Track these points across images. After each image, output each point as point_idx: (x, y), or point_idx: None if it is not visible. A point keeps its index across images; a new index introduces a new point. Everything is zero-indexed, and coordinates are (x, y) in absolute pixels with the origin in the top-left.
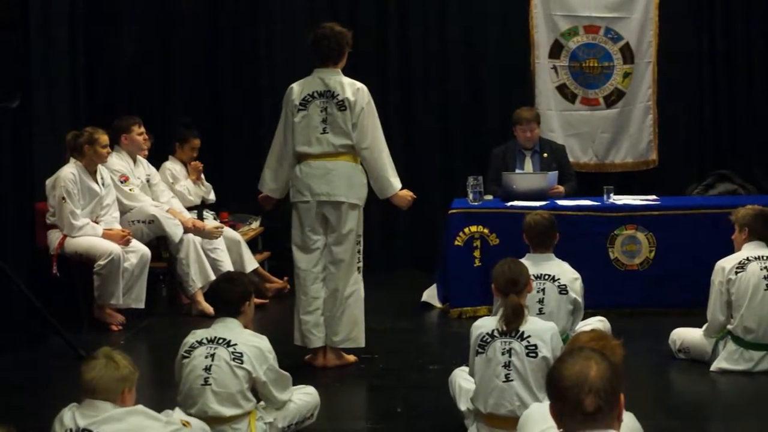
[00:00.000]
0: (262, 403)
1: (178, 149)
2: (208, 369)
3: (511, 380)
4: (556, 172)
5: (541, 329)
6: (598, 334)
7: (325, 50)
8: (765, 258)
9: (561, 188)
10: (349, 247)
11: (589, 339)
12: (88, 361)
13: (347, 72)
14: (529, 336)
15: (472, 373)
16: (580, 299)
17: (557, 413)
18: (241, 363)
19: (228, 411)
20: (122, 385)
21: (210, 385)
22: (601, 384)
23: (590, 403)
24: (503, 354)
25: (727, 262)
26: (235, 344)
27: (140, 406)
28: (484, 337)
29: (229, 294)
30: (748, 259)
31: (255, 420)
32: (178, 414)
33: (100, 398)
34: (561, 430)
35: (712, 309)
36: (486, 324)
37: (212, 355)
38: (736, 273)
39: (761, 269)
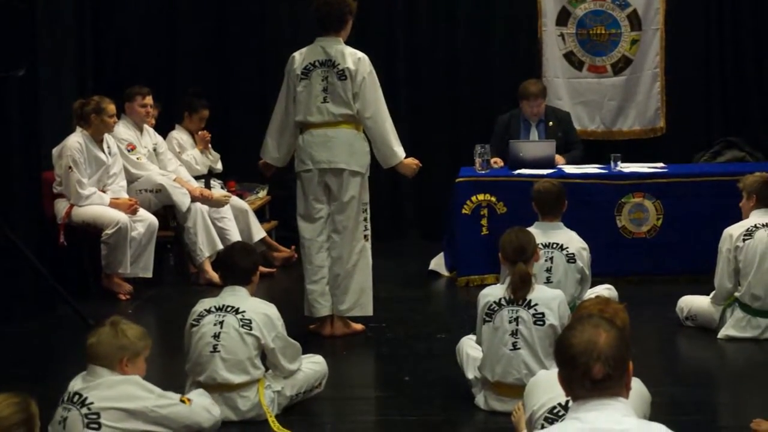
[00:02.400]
0: (270, 371)
1: (187, 118)
2: (216, 336)
3: (519, 348)
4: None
5: (549, 297)
6: (602, 300)
7: (326, 18)
8: None
9: (560, 158)
10: (352, 214)
11: (592, 305)
12: (96, 328)
13: (353, 41)
14: (536, 304)
15: (479, 342)
16: (587, 270)
17: (565, 380)
18: (250, 330)
19: (236, 378)
20: (120, 353)
21: (219, 352)
22: (609, 351)
23: (598, 371)
24: (510, 322)
25: (734, 230)
26: (244, 311)
27: (136, 377)
28: (491, 305)
29: (245, 262)
30: (755, 226)
31: (263, 388)
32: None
33: (99, 364)
34: (569, 397)
35: (720, 276)
36: (493, 292)
37: (221, 323)
38: (744, 240)
39: None
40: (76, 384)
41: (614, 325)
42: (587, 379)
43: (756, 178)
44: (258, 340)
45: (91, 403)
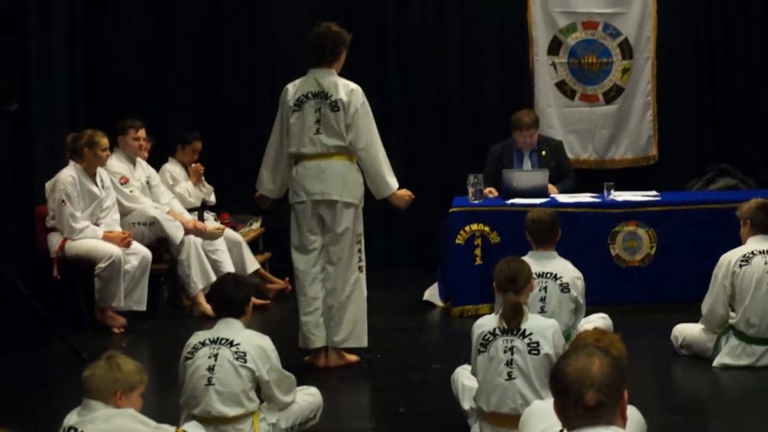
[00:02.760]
0: (265, 403)
1: (180, 151)
2: (211, 369)
3: (514, 378)
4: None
5: (543, 326)
6: (599, 331)
7: (320, 50)
8: None
9: (553, 188)
10: (346, 246)
11: (589, 336)
12: (93, 361)
13: (345, 71)
14: (531, 333)
15: (474, 372)
16: (581, 299)
17: (560, 410)
18: (245, 362)
19: (231, 411)
20: (114, 386)
21: (213, 385)
22: (602, 379)
23: (591, 398)
24: (505, 352)
25: (732, 255)
26: (239, 344)
27: (130, 410)
28: (485, 335)
29: (236, 294)
30: (753, 252)
31: (258, 421)
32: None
33: (93, 398)
34: (565, 428)
35: (712, 302)
36: (487, 323)
37: (215, 355)
38: (740, 266)
39: (765, 263)
40: (71, 419)
41: (609, 354)
42: (581, 406)
43: (750, 204)
44: (253, 373)
45: None
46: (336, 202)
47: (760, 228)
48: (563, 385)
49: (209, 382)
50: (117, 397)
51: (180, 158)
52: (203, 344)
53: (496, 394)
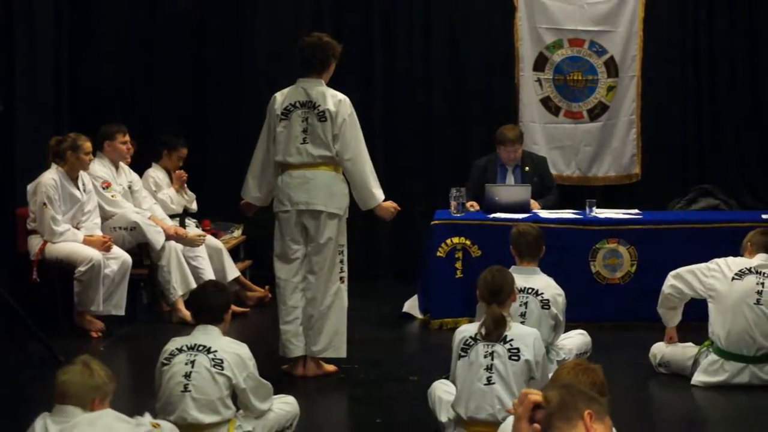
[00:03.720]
0: (241, 411)
1: (166, 156)
2: (188, 376)
3: (493, 383)
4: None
5: (525, 333)
6: (577, 363)
7: (309, 60)
8: (764, 274)
9: (535, 204)
10: (328, 256)
11: (570, 369)
12: (66, 366)
13: (333, 83)
14: (511, 339)
15: (453, 379)
16: (561, 316)
17: None
18: (222, 369)
19: (207, 418)
20: (94, 393)
21: (190, 391)
22: None
23: None
24: (486, 357)
25: (734, 264)
26: (216, 351)
27: (109, 410)
28: (467, 340)
29: (216, 301)
30: (749, 269)
31: (234, 428)
32: (147, 418)
33: (71, 403)
34: None
35: (686, 271)
36: (469, 328)
37: (192, 362)
38: (733, 279)
39: (757, 283)
40: (50, 427)
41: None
42: None
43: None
44: (229, 380)
45: None
46: (321, 213)
47: (760, 248)
48: None
49: (185, 389)
50: (94, 404)
51: (165, 164)
52: (180, 350)
53: (474, 399)
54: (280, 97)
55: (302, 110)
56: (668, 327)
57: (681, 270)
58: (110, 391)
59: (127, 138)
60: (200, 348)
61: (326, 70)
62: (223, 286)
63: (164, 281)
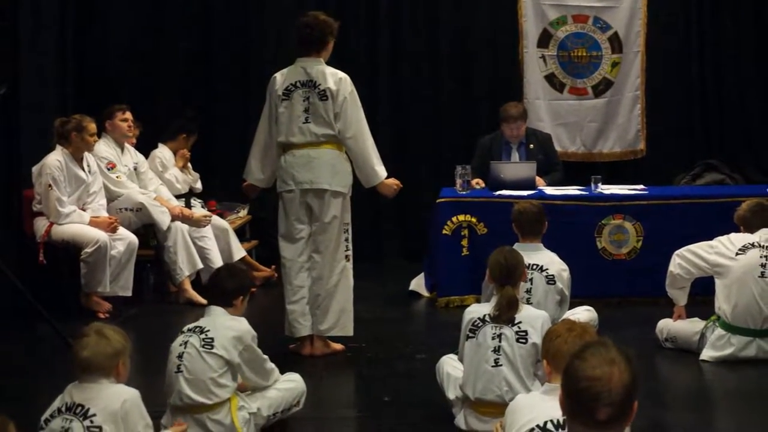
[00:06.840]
0: (246, 392)
1: (182, 140)
2: (180, 356)
3: (500, 365)
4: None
5: (533, 316)
6: (569, 329)
7: (307, 39)
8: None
9: (541, 180)
10: (333, 235)
11: (564, 340)
12: (80, 339)
13: (336, 61)
14: (520, 322)
15: (461, 359)
16: (566, 291)
17: (567, 410)
18: (211, 349)
19: (201, 398)
20: (116, 359)
21: (182, 372)
22: (618, 397)
23: (604, 414)
24: (493, 339)
25: (736, 240)
26: (208, 330)
27: (136, 395)
28: (475, 321)
29: (227, 284)
30: (752, 244)
31: (237, 410)
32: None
33: (96, 374)
34: (565, 419)
35: (690, 252)
36: (479, 309)
37: (185, 343)
38: (737, 254)
39: (761, 257)
40: (74, 396)
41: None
42: (590, 419)
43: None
44: (222, 359)
45: (94, 415)
46: (325, 191)
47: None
48: (576, 390)
49: (178, 369)
50: (118, 368)
51: (176, 146)
52: (182, 332)
53: (481, 380)
54: (280, 78)
55: (303, 90)
56: (678, 305)
57: (684, 250)
58: (128, 351)
59: (128, 116)
60: (196, 329)
61: (325, 49)
62: (239, 271)
63: (171, 262)
